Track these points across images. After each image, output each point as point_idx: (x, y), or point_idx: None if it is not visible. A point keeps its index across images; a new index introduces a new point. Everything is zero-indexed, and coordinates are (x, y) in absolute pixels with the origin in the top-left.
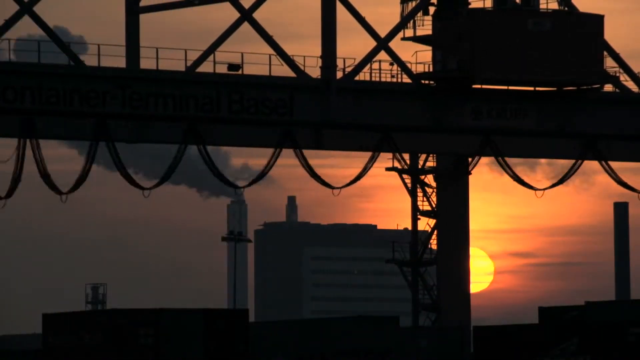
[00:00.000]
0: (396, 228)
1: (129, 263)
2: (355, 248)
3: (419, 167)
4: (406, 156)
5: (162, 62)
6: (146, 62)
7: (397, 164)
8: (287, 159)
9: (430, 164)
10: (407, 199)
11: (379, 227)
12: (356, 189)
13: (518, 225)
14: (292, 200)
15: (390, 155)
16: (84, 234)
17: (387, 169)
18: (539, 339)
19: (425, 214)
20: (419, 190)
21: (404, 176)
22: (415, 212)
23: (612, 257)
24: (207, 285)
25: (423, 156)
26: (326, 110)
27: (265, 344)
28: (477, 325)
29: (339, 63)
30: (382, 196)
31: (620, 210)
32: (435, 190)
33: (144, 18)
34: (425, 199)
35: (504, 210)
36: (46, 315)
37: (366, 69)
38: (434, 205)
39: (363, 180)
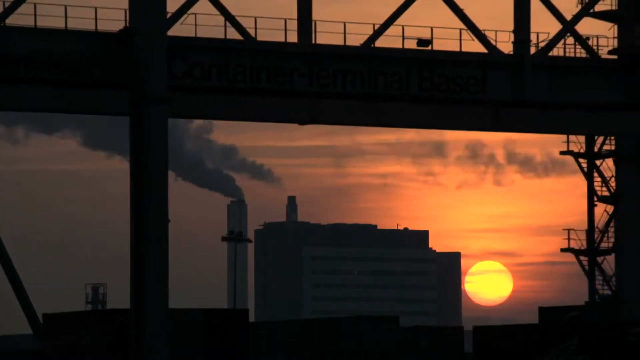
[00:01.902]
0: (396, 227)
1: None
2: (355, 248)
3: (596, 150)
4: (580, 139)
5: (332, 37)
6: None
7: (572, 147)
8: (288, 159)
9: (607, 147)
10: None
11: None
12: None
13: None
14: (292, 200)
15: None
16: (84, 234)
17: (562, 153)
18: (539, 339)
19: (604, 199)
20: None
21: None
22: (592, 198)
23: None
24: (207, 285)
25: (599, 139)
26: (520, 88)
27: (265, 344)
28: (477, 325)
29: (532, 38)
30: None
31: None
32: (613, 175)
33: None
34: (603, 184)
35: None
36: (46, 315)
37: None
38: (612, 190)
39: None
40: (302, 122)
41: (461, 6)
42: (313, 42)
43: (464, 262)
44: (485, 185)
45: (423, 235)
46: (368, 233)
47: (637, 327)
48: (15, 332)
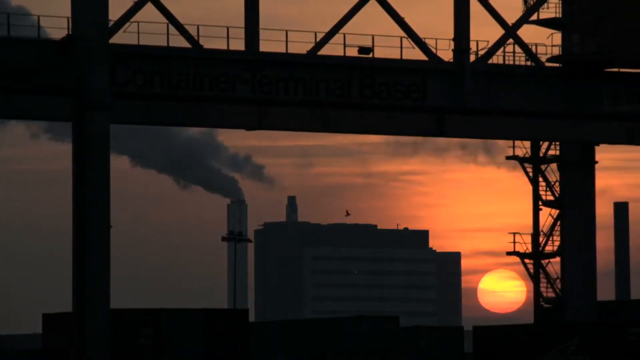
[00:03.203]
0: (396, 227)
1: (129, 263)
2: (355, 248)
3: (541, 155)
4: (526, 144)
5: (282, 45)
6: (265, 46)
7: (518, 152)
8: (288, 159)
9: (553, 152)
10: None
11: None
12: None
13: None
14: (292, 200)
15: (509, 142)
16: None
17: (507, 158)
18: (539, 339)
19: (548, 204)
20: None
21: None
22: (537, 202)
23: None
24: (207, 285)
25: (544, 144)
26: (459, 95)
27: (265, 344)
28: (477, 325)
29: (471, 46)
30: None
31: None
32: (558, 179)
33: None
34: (547, 189)
35: None
36: (46, 315)
37: (499, 52)
38: (557, 195)
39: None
40: (249, 128)
41: (402, 15)
42: (260, 49)
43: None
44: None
45: (423, 235)
46: (368, 233)
47: (637, 327)
48: (15, 332)
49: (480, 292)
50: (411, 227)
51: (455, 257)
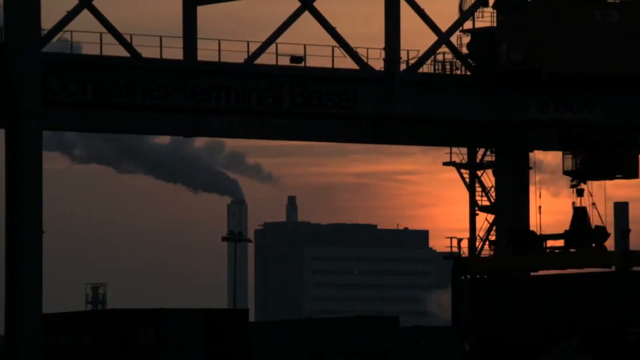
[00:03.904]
0: (396, 227)
1: (129, 263)
2: (355, 248)
3: (477, 161)
4: (463, 150)
5: (222, 55)
6: (203, 55)
7: (455, 159)
8: (288, 158)
9: (489, 158)
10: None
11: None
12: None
13: None
14: (292, 200)
15: (447, 149)
16: (84, 234)
17: (445, 164)
18: (539, 339)
19: (484, 209)
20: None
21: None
22: (474, 207)
23: None
24: (207, 285)
25: (481, 150)
26: (389, 103)
27: (265, 344)
28: (477, 325)
29: (402, 55)
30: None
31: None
32: (493, 185)
33: (201, 10)
34: (483, 194)
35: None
36: (46, 315)
37: (429, 61)
38: (492, 200)
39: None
40: (185, 135)
41: (333, 24)
42: (198, 59)
43: None
44: None
45: (423, 235)
46: (368, 233)
47: (637, 327)
48: None
49: None
50: (411, 227)
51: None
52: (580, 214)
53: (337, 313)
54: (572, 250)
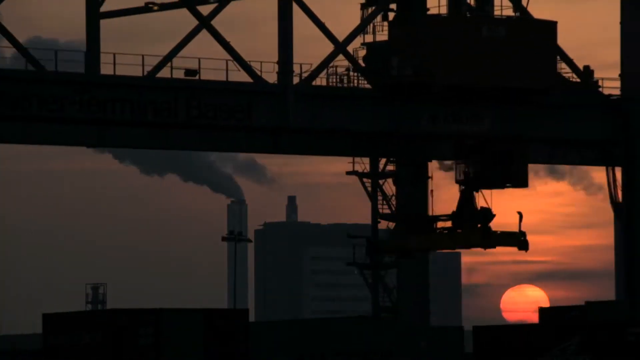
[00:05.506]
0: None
1: (129, 263)
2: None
3: (379, 170)
4: (366, 160)
5: (122, 68)
6: (106, 68)
7: (357, 168)
8: (288, 158)
9: (391, 167)
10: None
11: None
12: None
13: None
14: (292, 200)
15: (350, 159)
16: (84, 234)
17: (348, 173)
18: (539, 339)
19: (385, 217)
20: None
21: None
22: (376, 215)
23: None
24: (207, 285)
25: (383, 160)
26: (284, 115)
27: (265, 344)
28: (477, 325)
29: (296, 68)
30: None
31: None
32: (394, 193)
33: (104, 23)
34: (385, 203)
35: None
36: (46, 315)
37: (324, 74)
38: (393, 209)
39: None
40: (89, 146)
41: (228, 39)
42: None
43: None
44: None
45: None
46: (368, 233)
47: (637, 327)
48: (16, 332)
49: None
50: None
51: (455, 256)
52: (466, 196)
53: (337, 313)
54: (459, 230)
